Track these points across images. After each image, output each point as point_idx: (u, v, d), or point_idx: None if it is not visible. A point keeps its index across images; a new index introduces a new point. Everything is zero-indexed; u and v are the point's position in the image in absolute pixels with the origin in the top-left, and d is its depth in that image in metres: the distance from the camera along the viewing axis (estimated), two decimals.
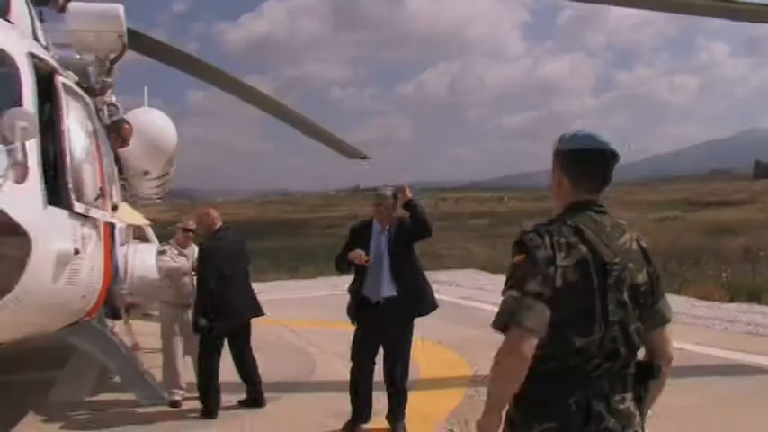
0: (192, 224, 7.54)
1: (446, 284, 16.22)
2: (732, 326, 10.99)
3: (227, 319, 6.85)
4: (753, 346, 9.25)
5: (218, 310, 6.74)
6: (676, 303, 13.03)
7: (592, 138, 2.53)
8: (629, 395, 2.45)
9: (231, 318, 6.87)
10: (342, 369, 8.37)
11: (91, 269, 4.95)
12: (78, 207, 4.61)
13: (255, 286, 7.36)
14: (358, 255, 5.89)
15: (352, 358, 6.14)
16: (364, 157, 12.29)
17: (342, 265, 6.20)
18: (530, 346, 2.26)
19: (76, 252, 4.50)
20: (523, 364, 2.28)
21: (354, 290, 6.14)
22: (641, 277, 2.49)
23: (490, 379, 2.37)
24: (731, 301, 13.55)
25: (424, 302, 6.11)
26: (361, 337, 6.09)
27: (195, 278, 7.18)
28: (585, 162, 2.53)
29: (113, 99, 6.14)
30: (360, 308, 6.09)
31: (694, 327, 10.68)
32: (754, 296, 13.60)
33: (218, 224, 7.13)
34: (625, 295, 2.43)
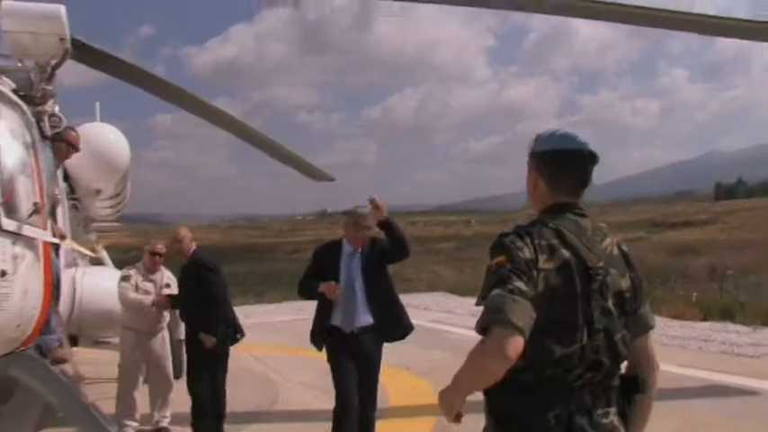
0: (160, 247, 7.02)
1: (415, 308, 15.70)
2: (707, 345, 10.81)
3: (234, 336, 6.64)
4: (730, 366, 9.05)
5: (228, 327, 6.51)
6: None
7: (569, 138, 2.40)
8: (612, 409, 2.28)
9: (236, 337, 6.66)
10: (307, 398, 7.98)
11: (24, 293, 4.47)
12: (7, 224, 4.16)
13: None
14: (332, 288, 5.33)
15: (340, 398, 5.33)
16: (331, 180, 12.13)
17: (307, 294, 5.65)
18: (516, 346, 2.02)
19: (3, 274, 4.05)
20: (506, 366, 2.03)
21: (321, 319, 5.53)
22: (625, 283, 2.35)
23: (463, 369, 2.14)
24: (704, 320, 13.38)
25: (400, 328, 5.60)
26: (345, 373, 5.38)
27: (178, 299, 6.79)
28: (562, 164, 2.40)
29: (56, 110, 5.67)
30: (331, 338, 5.48)
31: (670, 347, 10.44)
32: (726, 315, 13.45)
33: (193, 246, 6.67)
34: (610, 302, 2.28)
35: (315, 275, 5.51)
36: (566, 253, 2.24)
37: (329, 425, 5.31)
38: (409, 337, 5.70)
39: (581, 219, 2.36)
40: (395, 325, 5.57)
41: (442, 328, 13.89)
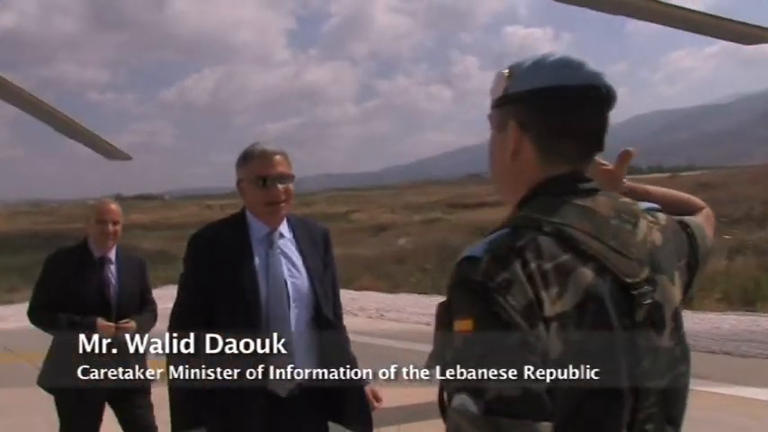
0: None
1: None
2: None
3: None
4: None
5: None
6: None
7: (573, 66, 1.31)
8: None
9: None
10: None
11: None
12: None
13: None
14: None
15: None
16: (128, 158, 11.17)
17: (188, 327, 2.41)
18: None
19: None
20: None
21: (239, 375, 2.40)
22: (678, 290, 1.33)
23: None
24: None
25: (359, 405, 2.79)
26: None
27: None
28: (565, 110, 1.30)
29: None
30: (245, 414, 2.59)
31: None
32: None
33: None
34: (666, 334, 1.27)
35: (206, 283, 2.68)
36: (587, 272, 1.19)
37: None
38: None
39: (592, 199, 1.29)
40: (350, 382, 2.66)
41: None
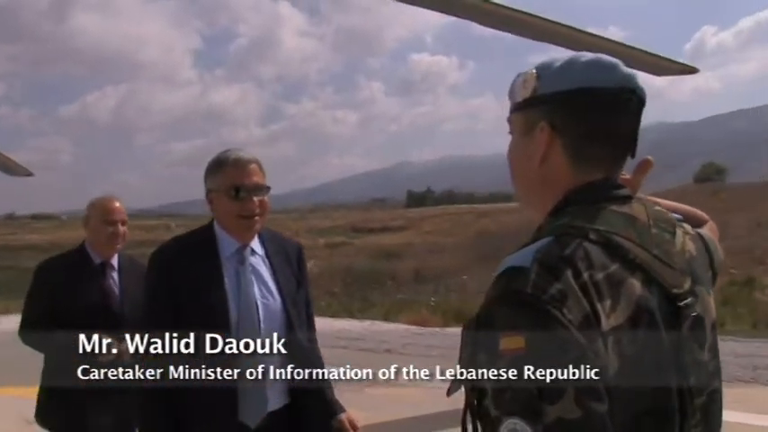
0: None
1: None
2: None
3: None
4: None
5: None
6: (394, 334, 12.45)
7: (608, 67, 1.23)
8: None
9: None
10: None
11: None
12: None
13: None
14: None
15: None
16: (29, 174, 10.50)
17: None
18: None
19: None
20: None
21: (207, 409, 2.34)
22: (713, 302, 1.29)
23: None
24: (446, 325, 13.27)
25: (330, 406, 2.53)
26: None
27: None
28: (601, 111, 1.22)
29: None
30: None
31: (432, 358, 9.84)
32: (462, 319, 13.41)
33: None
34: (706, 347, 1.22)
35: (170, 303, 2.42)
36: (636, 283, 1.12)
37: None
38: None
39: (629, 206, 1.22)
40: (324, 404, 2.53)
41: None
